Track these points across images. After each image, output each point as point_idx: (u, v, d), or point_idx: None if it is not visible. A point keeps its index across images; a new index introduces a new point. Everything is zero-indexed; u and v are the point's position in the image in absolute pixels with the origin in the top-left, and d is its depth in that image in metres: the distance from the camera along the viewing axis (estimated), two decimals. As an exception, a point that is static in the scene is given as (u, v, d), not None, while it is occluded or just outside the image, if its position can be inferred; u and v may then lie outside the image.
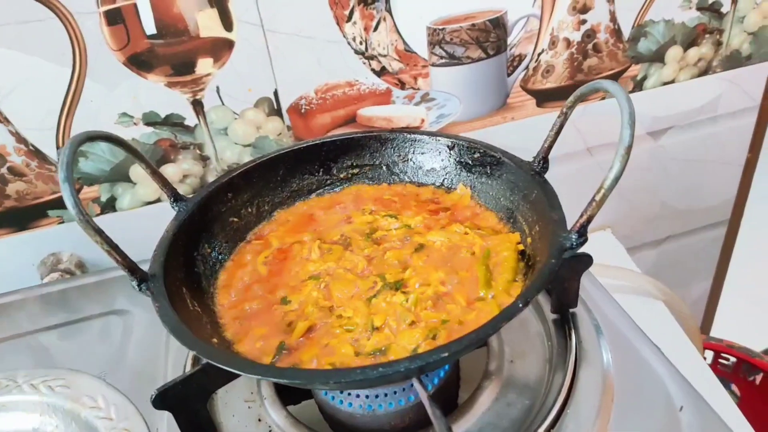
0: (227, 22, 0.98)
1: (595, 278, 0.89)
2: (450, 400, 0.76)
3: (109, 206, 1.09)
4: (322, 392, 0.73)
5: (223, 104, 1.03)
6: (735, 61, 1.23)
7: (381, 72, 1.07)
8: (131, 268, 0.65)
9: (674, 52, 1.19)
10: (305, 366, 0.63)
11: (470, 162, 0.83)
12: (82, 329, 0.98)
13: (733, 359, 1.40)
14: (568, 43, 1.14)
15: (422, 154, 0.86)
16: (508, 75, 1.13)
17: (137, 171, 1.06)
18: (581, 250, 0.64)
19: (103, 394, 0.73)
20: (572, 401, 0.71)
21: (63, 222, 1.09)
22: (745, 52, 1.22)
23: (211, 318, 0.70)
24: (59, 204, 1.07)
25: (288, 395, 0.77)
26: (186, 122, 1.04)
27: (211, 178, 1.10)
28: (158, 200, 1.10)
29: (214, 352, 0.58)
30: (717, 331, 1.64)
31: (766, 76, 1.26)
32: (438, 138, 0.84)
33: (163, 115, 1.02)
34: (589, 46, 1.15)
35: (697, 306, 1.62)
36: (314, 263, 0.75)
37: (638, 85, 1.23)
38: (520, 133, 1.18)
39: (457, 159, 0.84)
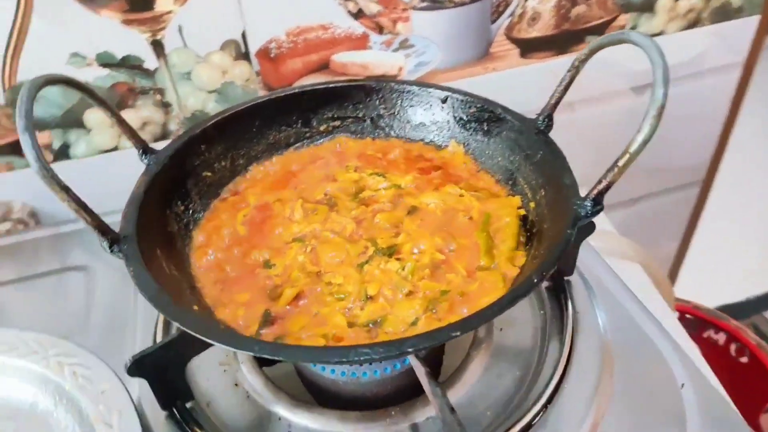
0: (191, -48, 0.88)
1: (588, 242, 0.86)
2: (434, 368, 0.73)
3: (63, 154, 0.99)
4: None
5: (185, 46, 0.94)
6: (725, 14, 1.19)
7: (358, 14, 0.99)
8: (101, 228, 0.58)
9: (665, 1, 1.14)
10: (295, 336, 0.58)
11: (465, 117, 0.77)
12: (37, 286, 0.90)
13: (695, 320, 1.41)
14: (557, -12, 1.08)
15: (411, 107, 0.80)
16: (492, 22, 1.07)
17: (92, 117, 0.96)
18: None
19: (75, 357, 0.66)
20: (569, 375, 0.68)
21: (13, 169, 0.99)
22: (735, 3, 1.18)
23: (189, 282, 0.63)
24: (9, 150, 0.96)
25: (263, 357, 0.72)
26: (145, 65, 0.94)
27: (173, 127, 1.01)
28: (115, 148, 1.00)
29: (202, 325, 0.52)
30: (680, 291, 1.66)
31: (753, 30, 1.23)
32: (429, 90, 0.78)
33: (119, 57, 0.92)
34: (578, -8, 1.10)
35: (663, 266, 1.63)
36: (298, 224, 0.69)
37: (624, 37, 1.18)
38: (501, 85, 1.13)
39: (451, 114, 0.78)
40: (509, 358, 0.71)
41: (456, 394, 0.67)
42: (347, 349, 0.51)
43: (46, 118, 0.94)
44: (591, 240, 1.17)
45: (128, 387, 0.65)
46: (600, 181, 0.57)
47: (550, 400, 0.66)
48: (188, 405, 0.66)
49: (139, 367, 0.58)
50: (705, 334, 1.42)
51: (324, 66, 1.02)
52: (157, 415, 0.65)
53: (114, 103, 0.95)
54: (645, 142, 0.52)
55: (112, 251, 0.58)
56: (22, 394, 0.65)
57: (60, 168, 0.99)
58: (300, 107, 0.80)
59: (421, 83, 0.79)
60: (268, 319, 0.60)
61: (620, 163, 0.54)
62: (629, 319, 0.76)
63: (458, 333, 0.49)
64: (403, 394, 0.67)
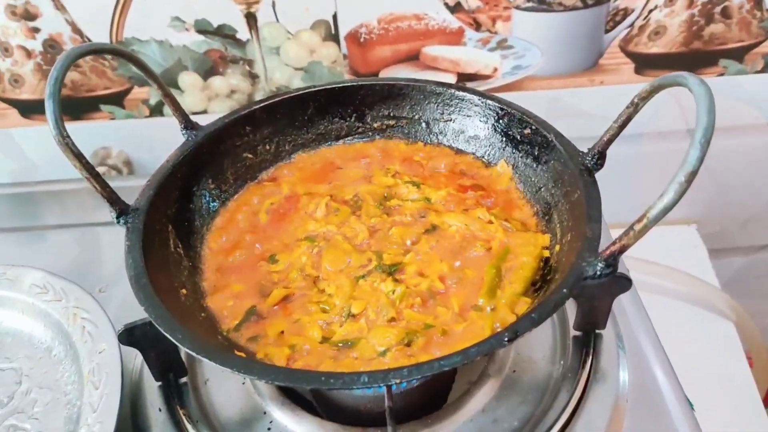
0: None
1: (640, 301, 0.77)
2: (437, 394, 0.69)
3: (158, 111, 1.06)
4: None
5: (277, 21, 0.95)
6: None
7: (455, 8, 0.94)
8: (111, 198, 0.60)
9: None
10: (268, 340, 0.58)
11: (518, 137, 0.71)
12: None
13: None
14: (691, 1, 0.95)
15: (468, 116, 0.75)
16: (606, 31, 0.97)
17: (186, 79, 1.02)
18: (621, 270, 0.53)
19: (48, 282, 0.72)
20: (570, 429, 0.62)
21: (114, 119, 1.07)
22: None
23: (192, 262, 0.65)
24: (111, 100, 1.05)
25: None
26: (238, 35, 0.97)
27: (259, 97, 1.03)
28: (205, 111, 1.05)
29: (165, 318, 0.52)
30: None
31: None
32: (489, 101, 0.73)
33: (215, 25, 0.96)
34: (718, 8, 0.96)
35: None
36: (316, 222, 0.68)
37: (769, 65, 1.02)
38: (608, 101, 1.03)
39: (505, 130, 0.72)
40: (512, 403, 0.66)
41: (452, 425, 0.63)
42: (305, 375, 0.50)
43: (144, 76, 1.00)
44: (681, 287, 1.06)
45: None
46: (614, 242, 0.50)
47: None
48: (182, 380, 0.68)
49: (129, 336, 0.59)
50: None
51: (413, 57, 0.99)
52: (154, 383, 0.67)
53: (206, 68, 1.00)
54: (666, 210, 0.46)
55: (118, 222, 0.60)
56: (43, 336, 0.71)
57: (152, 122, 1.07)
58: (357, 101, 0.78)
59: (481, 93, 0.73)
60: (251, 316, 0.60)
61: (636, 228, 0.48)
62: (656, 391, 0.67)
63: (397, 380, 0.46)
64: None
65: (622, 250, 0.50)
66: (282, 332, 0.58)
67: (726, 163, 1.11)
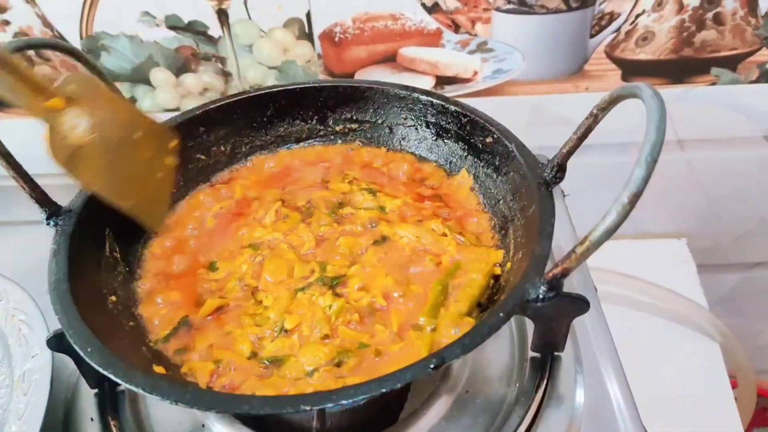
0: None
1: (603, 316, 0.73)
2: (387, 410, 0.65)
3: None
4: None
5: (249, 18, 0.92)
6: None
7: (433, 8, 0.91)
8: (40, 199, 0.58)
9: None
10: (194, 353, 0.55)
11: (480, 146, 0.68)
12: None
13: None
14: (681, 6, 0.90)
15: (433, 123, 0.72)
16: (591, 36, 0.93)
17: (159, 75, 0.99)
18: (580, 290, 0.51)
19: (25, 313, 0.68)
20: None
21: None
22: None
23: (130, 267, 0.62)
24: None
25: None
26: (210, 32, 0.94)
27: (233, 96, 1.01)
28: (177, 109, 1.03)
29: (79, 331, 0.49)
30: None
31: None
32: (452, 106, 0.69)
33: (186, 21, 0.93)
34: (709, 14, 0.91)
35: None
36: (263, 229, 0.65)
37: (765, 75, 0.97)
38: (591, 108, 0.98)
39: (468, 138, 0.69)
40: (462, 425, 0.62)
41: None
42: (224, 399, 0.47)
43: (116, 71, 0.98)
44: (666, 304, 1.02)
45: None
46: (556, 265, 0.47)
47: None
48: (119, 388, 0.65)
49: (58, 342, 0.56)
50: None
51: (391, 58, 0.96)
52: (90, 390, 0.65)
53: (178, 65, 0.97)
54: (609, 232, 0.43)
55: (48, 224, 0.58)
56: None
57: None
58: (318, 103, 0.75)
59: (445, 97, 0.70)
60: (182, 326, 0.57)
61: (578, 251, 0.45)
62: (612, 418, 0.63)
63: (308, 407, 0.43)
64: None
65: (564, 273, 0.47)
66: (211, 345, 0.56)
67: (718, 176, 1.07)
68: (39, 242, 0.88)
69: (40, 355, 0.63)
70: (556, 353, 0.65)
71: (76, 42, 0.96)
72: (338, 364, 0.52)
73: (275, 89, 0.74)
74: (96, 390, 0.64)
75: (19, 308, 0.67)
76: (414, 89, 0.72)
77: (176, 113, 0.99)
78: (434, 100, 0.71)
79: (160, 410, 0.64)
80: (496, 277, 0.58)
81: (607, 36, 0.93)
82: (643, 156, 0.43)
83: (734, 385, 0.99)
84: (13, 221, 0.96)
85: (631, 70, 0.96)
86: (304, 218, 0.66)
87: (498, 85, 0.97)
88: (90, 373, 0.62)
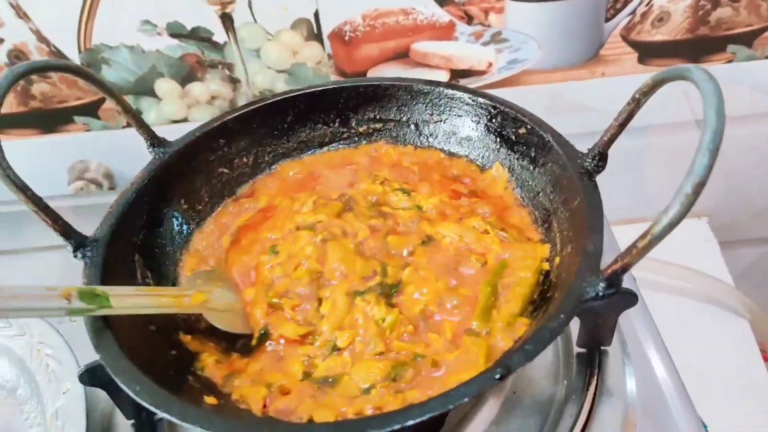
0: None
1: (645, 305, 0.71)
2: (432, 422, 0.64)
3: (136, 119, 1.01)
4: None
5: (255, 21, 0.90)
6: None
7: (444, 1, 0.89)
8: (64, 231, 0.55)
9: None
10: (244, 378, 0.53)
11: (513, 138, 0.66)
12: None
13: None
14: (695, -16, 0.89)
15: (458, 116, 0.70)
16: (607, 20, 0.91)
17: (164, 86, 0.96)
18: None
19: (52, 348, 0.65)
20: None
21: (90, 130, 1.02)
22: None
23: None
24: (85, 111, 1.00)
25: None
26: (214, 38, 0.91)
27: (242, 103, 0.98)
28: (185, 119, 1.00)
29: (124, 370, 0.46)
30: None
31: None
32: (480, 99, 0.67)
33: (189, 27, 0.90)
34: (724, -9, 0.90)
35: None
36: (303, 215, 0.62)
37: (781, 49, 0.96)
38: (611, 93, 0.97)
39: (499, 130, 0.67)
40: (513, 428, 0.60)
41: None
42: None
43: (119, 83, 0.95)
44: (693, 285, 1.00)
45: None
46: (616, 261, 0.45)
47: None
48: (157, 416, 0.62)
49: (91, 377, 0.53)
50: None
51: (403, 54, 0.94)
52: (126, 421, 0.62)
53: (183, 74, 0.95)
54: (672, 226, 0.41)
55: (75, 256, 0.55)
56: (8, 375, 0.66)
57: (131, 133, 1.01)
58: (339, 104, 0.72)
59: (472, 90, 0.68)
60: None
61: (639, 245, 0.43)
62: (665, 409, 0.62)
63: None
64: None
65: (625, 268, 0.45)
66: (262, 369, 0.53)
67: (737, 153, 1.06)
68: (54, 268, 0.86)
69: (72, 390, 0.60)
70: (602, 347, 0.64)
71: (74, 56, 0.94)
72: (394, 378, 0.50)
73: (293, 94, 0.71)
74: (132, 420, 0.62)
75: (44, 342, 0.64)
76: (438, 83, 0.70)
77: (187, 125, 0.99)
78: (460, 94, 0.68)
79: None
80: (546, 273, 0.56)
81: (622, 19, 0.91)
82: (704, 144, 0.40)
83: (765, 359, 0.98)
84: (25, 248, 0.92)
85: (648, 52, 0.94)
86: (346, 207, 0.63)
87: (514, 75, 0.95)
88: (126, 404, 0.60)
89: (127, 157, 1.05)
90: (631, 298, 0.54)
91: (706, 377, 0.91)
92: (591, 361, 0.63)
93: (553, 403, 0.62)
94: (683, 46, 0.94)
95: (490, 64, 0.94)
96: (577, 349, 0.65)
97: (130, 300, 0.50)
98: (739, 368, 0.97)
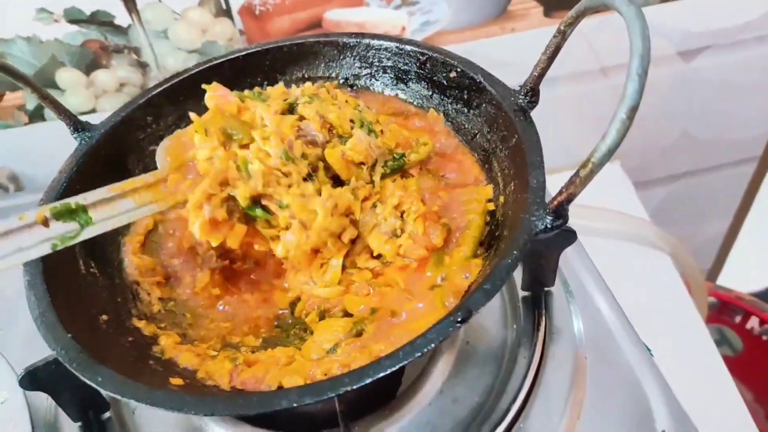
0: None
1: (583, 250, 0.75)
2: (389, 381, 0.64)
3: (38, 116, 0.95)
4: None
5: (160, 1, 0.86)
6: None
7: (353, -34, 0.88)
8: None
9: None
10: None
11: (444, 82, 0.66)
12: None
13: (740, 311, 1.27)
14: (588, -64, 0.93)
15: (388, 66, 0.69)
16: (511, -25, 0.94)
17: (65, 76, 0.91)
18: None
19: None
20: (536, 394, 0.60)
21: (-11, 131, 0.95)
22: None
23: (111, 279, 0.57)
24: (-20, 111, 0.93)
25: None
26: (117, 21, 0.87)
27: (153, 88, 0.94)
28: (93, 110, 0.95)
29: (84, 363, 0.44)
30: (726, 278, 1.50)
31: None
32: (407, 46, 0.67)
33: (88, 12, 0.85)
34: (614, -59, 0.94)
35: (709, 248, 1.47)
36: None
37: (671, -7, 1.02)
38: (521, 48, 1.00)
39: (429, 76, 0.67)
40: (470, 377, 0.62)
41: (410, 412, 0.58)
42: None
43: (15, 81, 0.89)
44: (614, 224, 1.06)
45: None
46: (560, 192, 0.46)
47: (512, 424, 0.57)
48: (105, 415, 0.60)
49: (32, 380, 0.51)
50: (748, 326, 1.27)
51: (316, 25, 0.93)
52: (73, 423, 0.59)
53: (87, 62, 0.90)
54: (611, 151, 0.42)
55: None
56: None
57: (35, 129, 0.96)
58: (265, 67, 0.70)
59: (398, 39, 0.68)
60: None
61: (582, 174, 0.44)
62: (612, 341, 0.65)
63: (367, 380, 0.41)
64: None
65: (569, 198, 0.46)
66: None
67: (648, 97, 1.12)
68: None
69: (12, 398, 0.57)
70: (546, 288, 0.66)
71: (-36, 53, 0.87)
72: (358, 334, 0.50)
73: (218, 60, 0.69)
74: (79, 423, 0.59)
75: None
76: (364, 35, 0.69)
77: (95, 115, 0.94)
78: (387, 43, 0.68)
79: (153, 427, 0.60)
80: (491, 213, 0.57)
81: (525, -27, 0.94)
82: (633, 69, 0.41)
83: (688, 290, 1.04)
84: None
85: (552, 4, 0.98)
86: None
87: (427, 37, 0.96)
88: (72, 405, 0.57)
89: (32, 156, 0.99)
90: (570, 235, 0.57)
91: (638, 308, 0.96)
92: (537, 303, 0.66)
93: (506, 347, 0.64)
94: (583, -3, 0.97)
95: (404, 28, 0.95)
96: (521, 294, 0.67)
97: (110, 208, 0.48)
98: (664, 297, 1.02)
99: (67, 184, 0.57)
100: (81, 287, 0.53)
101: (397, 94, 0.70)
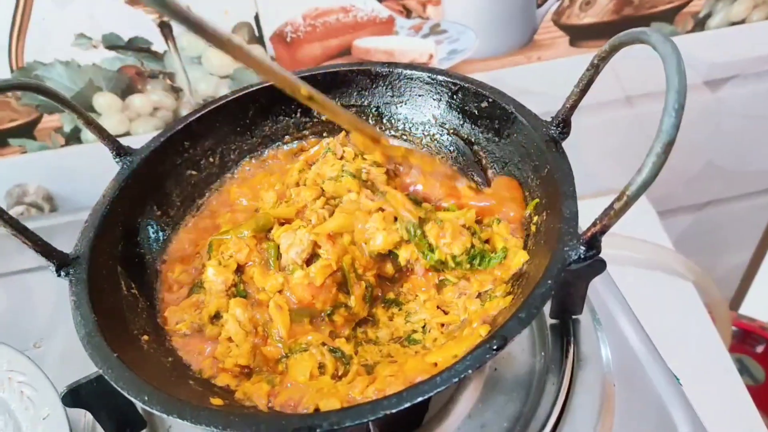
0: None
1: (610, 278, 0.75)
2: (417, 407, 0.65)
3: (74, 138, 0.97)
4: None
5: (195, 28, 0.88)
6: (818, -1, 1.02)
7: (383, -4, 0.90)
8: (45, 251, 0.53)
9: (749, -16, 0.98)
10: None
11: (476, 112, 0.67)
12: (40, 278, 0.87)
13: (763, 341, 1.25)
14: (616, -32, 0.94)
15: (420, 96, 0.71)
16: (538, 5, 0.95)
17: (102, 100, 0.93)
18: None
19: (25, 375, 0.62)
20: (564, 423, 0.59)
21: (26, 152, 0.98)
22: (832, -11, 1.01)
23: (150, 301, 0.59)
24: (20, 132, 0.95)
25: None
26: (153, 48, 0.89)
27: (185, 112, 0.96)
28: (127, 133, 0.97)
29: (131, 383, 0.45)
30: (749, 307, 1.49)
31: None
32: (439, 77, 0.68)
33: (125, 39, 0.88)
34: (643, -28, 0.96)
35: (731, 276, 1.46)
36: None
37: (700, 24, 1.03)
38: (547, 77, 1.01)
39: (461, 106, 0.68)
40: (498, 403, 0.62)
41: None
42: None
43: (55, 102, 0.91)
44: (637, 252, 1.06)
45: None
46: (594, 223, 0.47)
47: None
48: (142, 432, 0.61)
49: (74, 397, 0.53)
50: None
51: (345, 52, 0.95)
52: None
53: (123, 87, 0.92)
54: (645, 186, 0.42)
55: (59, 275, 0.53)
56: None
57: (71, 152, 0.98)
58: (300, 95, 0.72)
59: (430, 69, 0.69)
60: None
61: (616, 206, 0.45)
62: (640, 369, 0.65)
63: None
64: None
65: (603, 230, 0.46)
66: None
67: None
68: (12, 294, 0.82)
69: (53, 415, 0.58)
70: (574, 316, 0.66)
71: (6, 75, 0.89)
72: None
73: (253, 88, 0.70)
74: (117, 439, 0.60)
75: (15, 369, 0.61)
76: (396, 65, 0.70)
77: (130, 138, 0.96)
78: (419, 73, 0.69)
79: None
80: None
81: (552, 4, 0.95)
82: (670, 104, 0.42)
83: (712, 320, 1.04)
84: (6, 272, 0.87)
85: (578, 34, 0.99)
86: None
87: (454, 65, 0.98)
88: (110, 422, 0.58)
89: (67, 177, 1.01)
90: (600, 265, 0.57)
91: (662, 336, 0.96)
92: (566, 331, 0.66)
93: (534, 374, 0.64)
94: (610, 27, 0.99)
95: (431, 56, 0.97)
96: (550, 321, 0.68)
97: None
98: (688, 326, 1.02)
99: (110, 208, 0.59)
100: (123, 307, 0.55)
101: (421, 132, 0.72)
